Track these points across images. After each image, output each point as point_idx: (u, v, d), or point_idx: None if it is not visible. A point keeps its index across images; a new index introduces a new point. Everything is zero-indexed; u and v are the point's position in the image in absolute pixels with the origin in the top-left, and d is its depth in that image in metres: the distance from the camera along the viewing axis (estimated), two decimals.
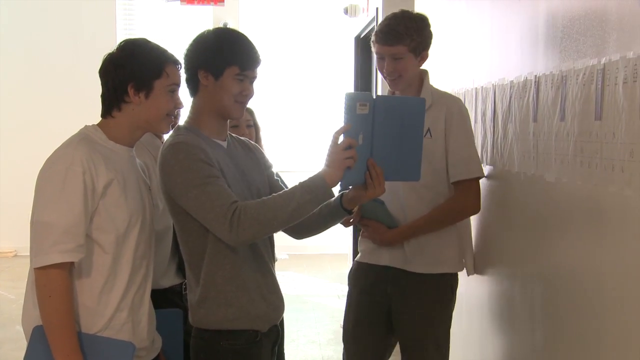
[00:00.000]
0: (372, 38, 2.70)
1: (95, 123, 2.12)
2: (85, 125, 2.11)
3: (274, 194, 2.09)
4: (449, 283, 2.77)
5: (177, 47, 2.21)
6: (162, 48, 2.11)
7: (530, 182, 2.46)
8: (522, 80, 2.51)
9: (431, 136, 2.66)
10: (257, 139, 3.28)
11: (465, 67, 3.38)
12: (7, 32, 8.02)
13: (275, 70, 8.28)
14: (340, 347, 4.96)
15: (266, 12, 8.58)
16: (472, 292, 3.19)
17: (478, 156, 2.73)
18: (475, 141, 3.07)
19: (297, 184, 2.06)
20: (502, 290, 2.84)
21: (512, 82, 2.62)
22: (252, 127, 3.25)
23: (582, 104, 2.01)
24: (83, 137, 2.04)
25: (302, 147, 8.57)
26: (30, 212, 2.00)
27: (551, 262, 2.31)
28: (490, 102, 2.88)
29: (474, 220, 3.10)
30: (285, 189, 2.10)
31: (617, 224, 1.84)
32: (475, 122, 3.08)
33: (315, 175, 2.04)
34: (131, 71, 2.02)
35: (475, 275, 2.92)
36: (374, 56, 2.85)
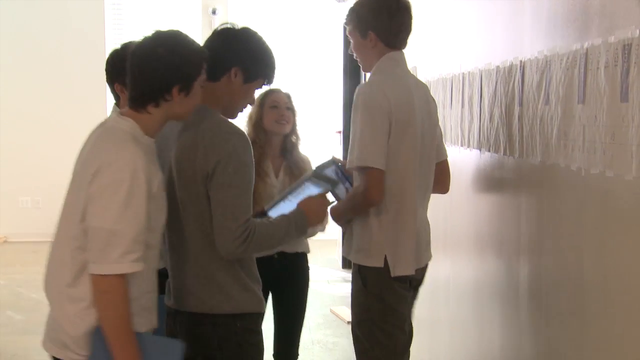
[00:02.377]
0: None
1: (122, 113, 2.09)
2: (121, 118, 2.08)
3: (273, 221, 2.19)
4: (361, 275, 2.61)
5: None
6: (197, 43, 2.11)
7: (516, 165, 2.50)
8: (508, 65, 2.54)
9: None
10: (294, 124, 3.32)
11: (453, 52, 3.41)
12: None
13: None
14: (329, 331, 5.03)
15: None
16: (461, 277, 3.24)
17: (366, 146, 2.48)
18: (463, 125, 3.10)
19: (288, 217, 2.20)
20: (494, 275, 2.88)
21: (498, 67, 2.65)
22: (291, 111, 3.30)
23: (565, 88, 2.04)
24: (131, 136, 2.02)
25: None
26: (65, 206, 2.01)
27: (543, 245, 2.35)
28: (477, 87, 2.90)
29: (460, 202, 3.14)
30: (280, 218, 2.21)
31: (601, 206, 1.88)
32: (462, 106, 3.11)
33: (303, 215, 2.22)
34: (180, 74, 2.02)
35: (464, 260, 2.93)
36: None
